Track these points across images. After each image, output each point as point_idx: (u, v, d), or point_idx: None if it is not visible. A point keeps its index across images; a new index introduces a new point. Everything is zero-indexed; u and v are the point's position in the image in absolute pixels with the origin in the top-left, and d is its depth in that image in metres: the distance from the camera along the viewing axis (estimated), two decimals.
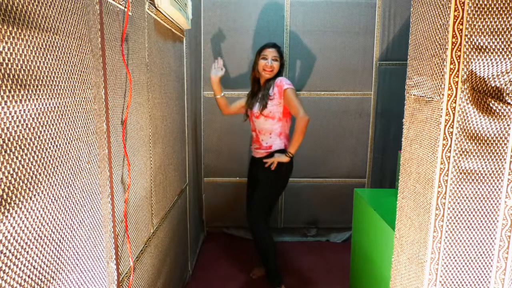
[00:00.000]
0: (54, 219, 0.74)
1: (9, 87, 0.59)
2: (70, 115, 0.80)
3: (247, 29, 2.88)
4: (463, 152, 0.93)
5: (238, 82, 2.93)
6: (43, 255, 0.70)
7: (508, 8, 0.86)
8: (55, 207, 0.74)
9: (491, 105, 0.90)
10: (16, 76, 0.61)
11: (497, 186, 0.94)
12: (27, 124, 0.65)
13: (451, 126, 0.93)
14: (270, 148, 2.29)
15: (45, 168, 0.70)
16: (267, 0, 2.85)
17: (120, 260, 1.17)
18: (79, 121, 0.84)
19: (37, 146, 0.68)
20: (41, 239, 0.69)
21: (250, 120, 2.40)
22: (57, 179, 0.75)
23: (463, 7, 0.88)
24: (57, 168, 0.75)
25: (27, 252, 0.65)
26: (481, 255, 0.98)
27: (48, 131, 0.71)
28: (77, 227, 0.84)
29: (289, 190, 3.09)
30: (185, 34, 2.20)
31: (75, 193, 0.83)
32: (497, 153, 0.92)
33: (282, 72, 2.34)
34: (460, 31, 0.89)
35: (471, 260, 0.99)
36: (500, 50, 0.88)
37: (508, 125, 0.90)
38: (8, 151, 0.60)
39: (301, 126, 2.15)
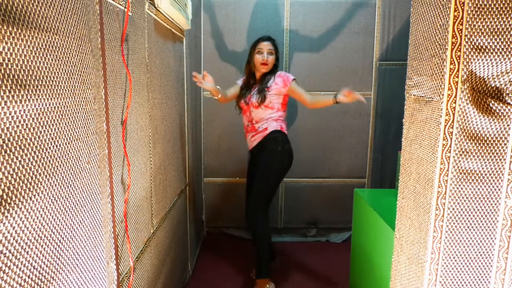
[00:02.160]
0: (54, 219, 0.74)
1: (9, 87, 0.59)
2: (70, 115, 0.80)
3: (247, 29, 2.88)
4: (463, 152, 0.93)
5: None
6: (43, 255, 0.70)
7: (508, 8, 0.86)
8: (55, 207, 0.74)
9: (491, 105, 0.90)
10: (16, 76, 0.61)
11: (497, 186, 0.94)
12: (27, 124, 0.65)
13: (451, 126, 0.93)
14: (266, 130, 2.26)
15: (45, 168, 0.70)
16: (267, 0, 2.85)
17: (120, 260, 1.17)
18: (79, 121, 0.84)
19: (37, 146, 0.68)
20: (41, 239, 0.69)
21: (245, 112, 2.35)
22: (57, 179, 0.75)
23: (463, 7, 0.88)
24: (57, 168, 0.75)
25: (27, 252, 0.65)
26: (481, 255, 0.98)
27: (48, 131, 0.71)
28: (77, 227, 0.84)
29: (289, 190, 3.09)
30: (185, 34, 2.20)
31: (75, 193, 0.83)
32: (497, 153, 0.92)
33: (278, 65, 2.32)
34: (460, 31, 0.89)
35: (471, 260, 0.99)
36: (500, 50, 0.88)
37: (508, 125, 0.90)
38: (8, 151, 0.60)
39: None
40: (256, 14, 2.87)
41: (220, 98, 2.32)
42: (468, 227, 0.97)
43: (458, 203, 0.96)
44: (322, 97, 2.24)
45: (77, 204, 0.84)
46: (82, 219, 0.86)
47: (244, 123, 2.40)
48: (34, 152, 0.67)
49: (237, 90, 2.41)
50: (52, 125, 0.73)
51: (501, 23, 0.87)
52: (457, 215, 0.97)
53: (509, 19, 0.87)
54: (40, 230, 0.69)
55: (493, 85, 0.89)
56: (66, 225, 0.78)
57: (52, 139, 0.73)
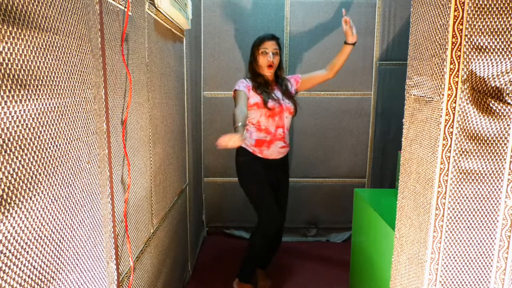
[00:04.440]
0: (54, 219, 0.74)
1: (9, 87, 0.59)
2: (70, 115, 0.80)
3: (247, 29, 2.87)
4: (463, 152, 0.93)
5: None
6: (43, 255, 0.70)
7: (508, 8, 0.86)
8: (55, 207, 0.74)
9: (491, 105, 0.90)
10: (16, 76, 0.61)
11: (497, 186, 0.94)
12: (27, 124, 0.65)
13: (451, 126, 0.93)
14: (288, 144, 2.26)
15: (45, 168, 0.70)
16: (267, 0, 2.85)
17: (120, 260, 1.17)
18: (79, 121, 0.84)
19: (37, 146, 0.68)
20: (41, 239, 0.69)
21: (273, 115, 2.07)
22: (57, 179, 0.75)
23: (463, 7, 0.88)
24: (57, 168, 0.75)
25: (27, 252, 0.65)
26: (481, 255, 0.98)
27: (48, 131, 0.71)
28: (77, 227, 0.84)
29: (289, 190, 3.09)
30: (185, 34, 2.20)
31: (75, 193, 0.83)
32: (497, 153, 0.92)
33: (283, 64, 2.28)
34: (460, 31, 0.89)
35: (471, 260, 0.99)
36: (500, 50, 0.88)
37: (508, 125, 0.90)
38: (8, 151, 0.60)
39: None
40: (256, 15, 2.86)
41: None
42: (468, 227, 0.97)
43: (458, 203, 0.96)
44: (336, 58, 2.16)
45: (77, 204, 0.84)
46: (82, 219, 0.86)
47: (270, 129, 2.10)
48: (34, 152, 0.67)
49: (247, 98, 2.05)
50: (52, 125, 0.73)
51: (501, 23, 0.87)
52: (457, 215, 0.97)
53: (509, 19, 0.87)
54: (40, 230, 0.69)
55: (493, 85, 0.89)
56: (66, 225, 0.78)
57: (52, 139, 0.73)
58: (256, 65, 2.12)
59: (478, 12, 0.87)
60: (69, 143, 0.80)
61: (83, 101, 0.87)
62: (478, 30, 0.88)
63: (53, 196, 0.73)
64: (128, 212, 1.25)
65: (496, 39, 0.88)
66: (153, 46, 1.55)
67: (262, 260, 2.40)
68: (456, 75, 0.91)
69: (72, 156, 0.81)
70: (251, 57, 2.16)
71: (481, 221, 0.96)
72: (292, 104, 2.14)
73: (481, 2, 0.87)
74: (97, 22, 0.96)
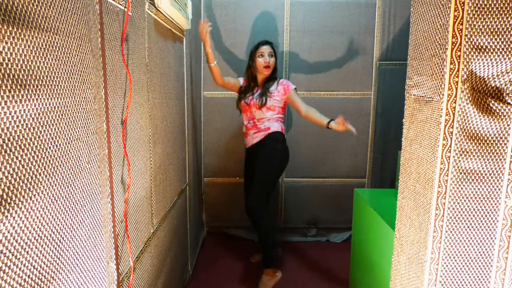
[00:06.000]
0: (54, 219, 0.74)
1: (9, 87, 0.59)
2: (70, 115, 0.80)
3: (247, 29, 2.88)
4: (463, 152, 0.93)
5: None
6: (43, 255, 0.70)
7: (508, 8, 0.86)
8: (55, 207, 0.74)
9: (491, 105, 0.90)
10: (16, 76, 0.61)
11: (497, 186, 0.94)
12: (27, 124, 0.65)
13: (451, 126, 0.93)
14: (269, 129, 2.38)
15: (45, 168, 0.70)
16: (267, 0, 2.85)
17: (120, 260, 1.17)
18: (79, 121, 0.84)
19: (37, 146, 0.68)
20: (41, 239, 0.69)
21: (245, 111, 2.46)
22: (57, 179, 0.75)
23: (463, 7, 0.88)
24: (57, 168, 0.75)
25: (27, 252, 0.65)
26: (481, 255, 0.98)
27: (48, 131, 0.71)
28: (77, 227, 0.84)
29: (289, 190, 3.09)
30: (185, 34, 2.20)
31: (75, 193, 0.83)
32: (497, 153, 0.92)
33: (277, 67, 2.43)
34: (460, 31, 0.89)
35: (471, 260, 0.99)
36: (500, 50, 0.88)
37: (508, 125, 0.90)
38: (8, 151, 0.60)
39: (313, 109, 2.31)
40: (256, 14, 2.86)
41: (215, 69, 2.32)
42: (468, 227, 0.97)
43: (458, 203, 0.96)
44: (318, 115, 2.27)
45: (77, 204, 0.84)
46: (82, 219, 0.86)
47: (244, 122, 2.49)
48: (34, 152, 0.67)
49: (235, 83, 2.50)
50: (52, 125, 0.73)
51: (501, 23, 0.87)
52: (457, 215, 0.97)
53: (509, 19, 0.87)
54: (40, 230, 0.69)
55: (493, 85, 0.89)
56: (66, 225, 0.78)
57: (52, 139, 0.73)
58: (254, 68, 2.40)
59: (478, 12, 0.87)
60: (69, 143, 0.80)
61: (83, 101, 0.87)
62: (478, 30, 0.88)
63: (53, 196, 0.73)
64: (128, 212, 1.25)
65: (496, 39, 0.88)
66: (153, 46, 1.55)
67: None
68: (456, 75, 0.91)
69: (72, 156, 0.81)
70: (249, 62, 2.43)
71: (481, 221, 0.96)
72: (260, 100, 2.36)
73: (481, 2, 0.87)
74: (97, 22, 0.96)
